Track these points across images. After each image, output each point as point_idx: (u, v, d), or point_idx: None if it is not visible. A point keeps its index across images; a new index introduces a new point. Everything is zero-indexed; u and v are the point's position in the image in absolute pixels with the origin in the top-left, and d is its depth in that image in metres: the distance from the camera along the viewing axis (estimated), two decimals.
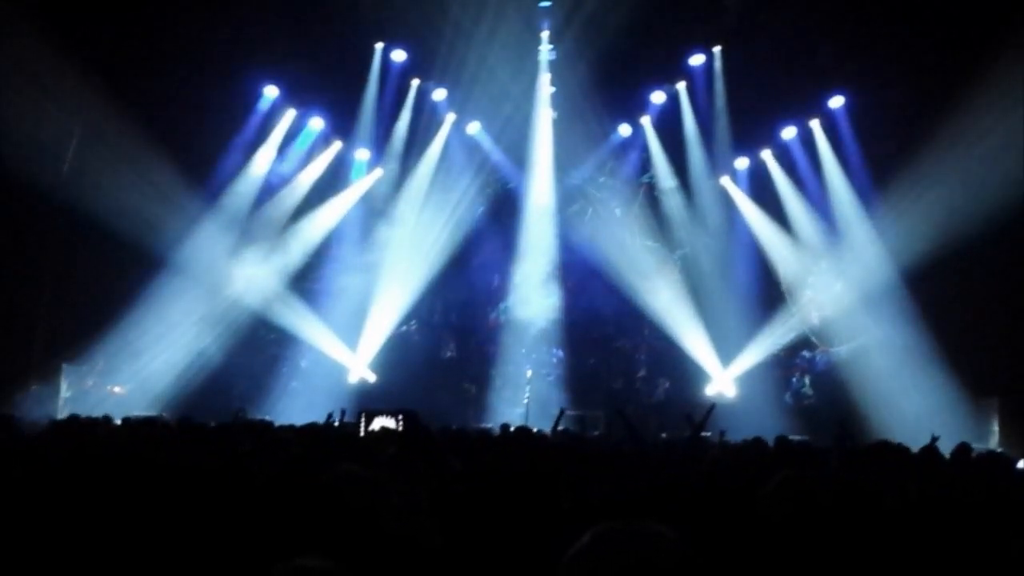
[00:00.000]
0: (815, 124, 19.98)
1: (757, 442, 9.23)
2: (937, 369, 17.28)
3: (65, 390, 17.54)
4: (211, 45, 17.58)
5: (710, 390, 19.73)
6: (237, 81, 18.88)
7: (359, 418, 8.21)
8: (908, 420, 15.29)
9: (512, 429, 8.88)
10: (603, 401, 19.57)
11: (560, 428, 9.09)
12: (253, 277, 19.60)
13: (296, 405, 17.20)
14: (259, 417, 13.06)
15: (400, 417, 6.53)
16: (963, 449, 9.74)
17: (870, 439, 12.65)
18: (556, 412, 9.32)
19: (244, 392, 18.33)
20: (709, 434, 12.06)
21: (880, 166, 18.96)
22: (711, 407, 9.47)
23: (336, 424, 9.56)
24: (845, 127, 19.63)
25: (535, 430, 8.68)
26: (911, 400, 16.67)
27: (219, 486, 4.01)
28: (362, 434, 7.67)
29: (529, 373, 20.27)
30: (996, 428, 17.38)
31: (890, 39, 17.63)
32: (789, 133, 20.21)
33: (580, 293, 20.83)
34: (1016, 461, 9.86)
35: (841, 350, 19.64)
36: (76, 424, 7.45)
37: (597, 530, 1.95)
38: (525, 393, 19.43)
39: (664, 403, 19.69)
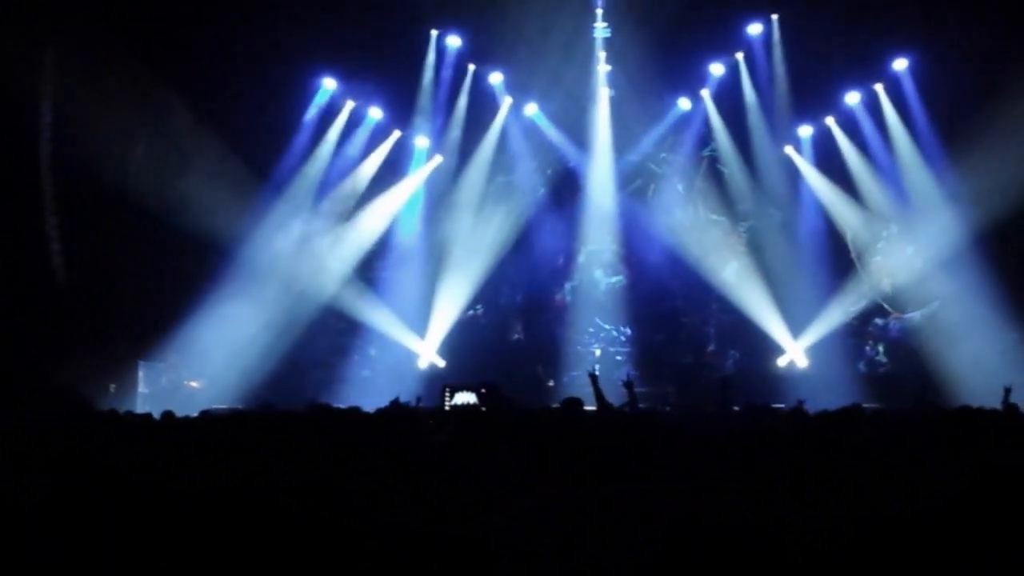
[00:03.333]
0: (879, 88, 19.62)
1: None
2: (1012, 331, 16.99)
3: (143, 387, 17.94)
4: (270, 38, 17.80)
5: (782, 361, 19.57)
6: (296, 73, 19.12)
7: (442, 392, 8.32)
8: (985, 383, 15.02)
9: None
10: (673, 377, 19.53)
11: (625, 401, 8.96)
12: (319, 267, 19.86)
13: (368, 393, 17.35)
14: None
15: (482, 390, 6.61)
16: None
17: (949, 404, 12.49)
18: (623, 384, 9.16)
19: (316, 382, 18.58)
20: (783, 405, 12.00)
21: (948, 128, 18.60)
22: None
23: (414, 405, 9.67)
24: (911, 89, 19.26)
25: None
26: (987, 363, 16.37)
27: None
28: (447, 408, 7.77)
29: (598, 352, 20.28)
30: None
31: None
32: (853, 98, 19.87)
33: (645, 270, 20.75)
34: None
35: (914, 315, 19.33)
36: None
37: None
38: (595, 372, 19.37)
39: (735, 376, 19.52)
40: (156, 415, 9.48)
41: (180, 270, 18.23)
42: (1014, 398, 9.38)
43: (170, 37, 17.75)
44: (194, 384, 18.39)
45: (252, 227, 18.94)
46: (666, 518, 1.95)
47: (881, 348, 19.42)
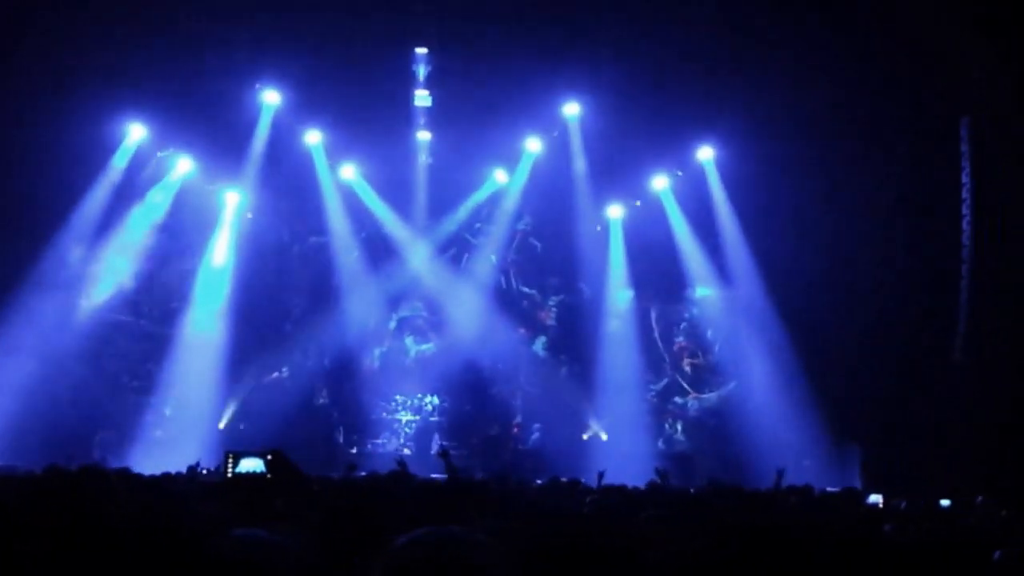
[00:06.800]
0: (684, 175, 20.47)
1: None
2: (804, 416, 17.77)
3: None
4: (74, 79, 16.97)
5: (585, 435, 19.87)
6: (100, 117, 18.19)
7: (225, 459, 7.83)
8: (777, 464, 15.59)
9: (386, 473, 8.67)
10: (479, 448, 19.50)
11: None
12: (115, 322, 18.89)
13: (161, 454, 16.49)
14: (120, 466, 12.46)
15: (269, 456, 6.27)
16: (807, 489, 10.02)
17: (741, 483, 12.90)
18: (438, 454, 9.07)
19: (105, 441, 17.55)
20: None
21: (747, 216, 19.51)
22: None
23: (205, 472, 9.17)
24: (714, 177, 20.16)
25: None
26: (779, 445, 17.01)
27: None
28: (229, 475, 7.35)
29: (404, 419, 20.06)
30: (859, 473, 17.95)
31: (756, 93, 18.20)
32: (661, 182, 20.62)
33: (456, 339, 20.74)
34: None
35: (711, 396, 20.03)
36: None
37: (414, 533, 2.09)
38: (401, 439, 19.23)
39: (540, 449, 19.66)
40: None
41: None
42: (802, 479, 9.72)
43: None
44: None
45: (44, 275, 17.80)
46: None
47: (679, 426, 20.05)
